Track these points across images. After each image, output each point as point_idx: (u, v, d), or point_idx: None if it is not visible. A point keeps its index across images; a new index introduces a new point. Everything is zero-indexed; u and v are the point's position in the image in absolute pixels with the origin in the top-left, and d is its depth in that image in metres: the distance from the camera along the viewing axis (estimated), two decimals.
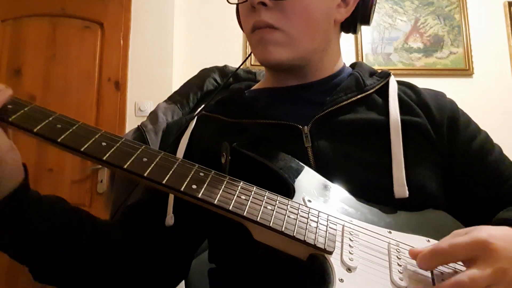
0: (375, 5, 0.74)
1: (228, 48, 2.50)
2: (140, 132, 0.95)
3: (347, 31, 0.77)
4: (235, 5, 0.76)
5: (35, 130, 0.51)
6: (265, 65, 0.73)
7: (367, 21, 0.74)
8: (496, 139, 0.73)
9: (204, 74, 1.01)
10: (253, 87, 0.82)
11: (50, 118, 0.52)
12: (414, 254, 0.50)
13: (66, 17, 2.37)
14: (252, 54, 0.73)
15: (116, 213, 0.87)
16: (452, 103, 0.74)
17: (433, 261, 0.48)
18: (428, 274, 0.51)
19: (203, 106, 0.79)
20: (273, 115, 0.69)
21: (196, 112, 0.77)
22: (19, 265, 0.58)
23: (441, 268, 0.51)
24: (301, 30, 0.67)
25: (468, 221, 0.61)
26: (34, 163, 2.24)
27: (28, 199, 0.54)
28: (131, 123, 2.27)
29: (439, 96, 0.75)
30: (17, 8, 2.37)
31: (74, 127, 0.53)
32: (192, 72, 1.05)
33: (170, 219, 0.65)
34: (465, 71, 2.54)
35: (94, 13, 2.39)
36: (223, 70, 1.02)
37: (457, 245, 0.47)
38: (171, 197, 0.66)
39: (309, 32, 0.68)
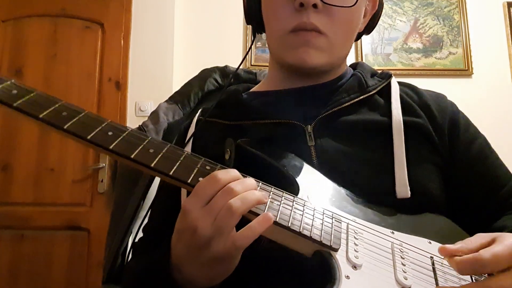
0: None
1: (228, 48, 2.50)
2: (141, 131, 0.95)
3: None
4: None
5: (40, 116, 0.49)
6: (298, 67, 0.69)
7: (371, 31, 0.78)
8: (495, 139, 0.74)
9: (205, 74, 1.01)
10: (254, 88, 0.82)
11: (56, 105, 0.51)
12: (446, 253, 0.47)
13: (66, 17, 2.37)
14: (250, 53, 0.72)
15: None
16: (453, 105, 0.74)
17: (473, 269, 0.46)
18: (431, 274, 0.51)
19: (200, 110, 0.78)
20: (275, 115, 0.69)
21: (194, 121, 0.75)
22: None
23: (444, 268, 0.52)
24: (342, 38, 0.69)
25: (466, 224, 0.62)
26: (35, 162, 2.24)
27: None
28: (132, 123, 2.27)
29: (440, 97, 0.75)
30: (18, 8, 2.37)
31: (80, 116, 0.51)
32: (192, 72, 1.05)
33: None
34: (464, 71, 2.54)
35: (95, 13, 2.39)
36: (224, 71, 1.02)
37: (499, 256, 0.45)
38: None
39: (347, 40, 0.71)
